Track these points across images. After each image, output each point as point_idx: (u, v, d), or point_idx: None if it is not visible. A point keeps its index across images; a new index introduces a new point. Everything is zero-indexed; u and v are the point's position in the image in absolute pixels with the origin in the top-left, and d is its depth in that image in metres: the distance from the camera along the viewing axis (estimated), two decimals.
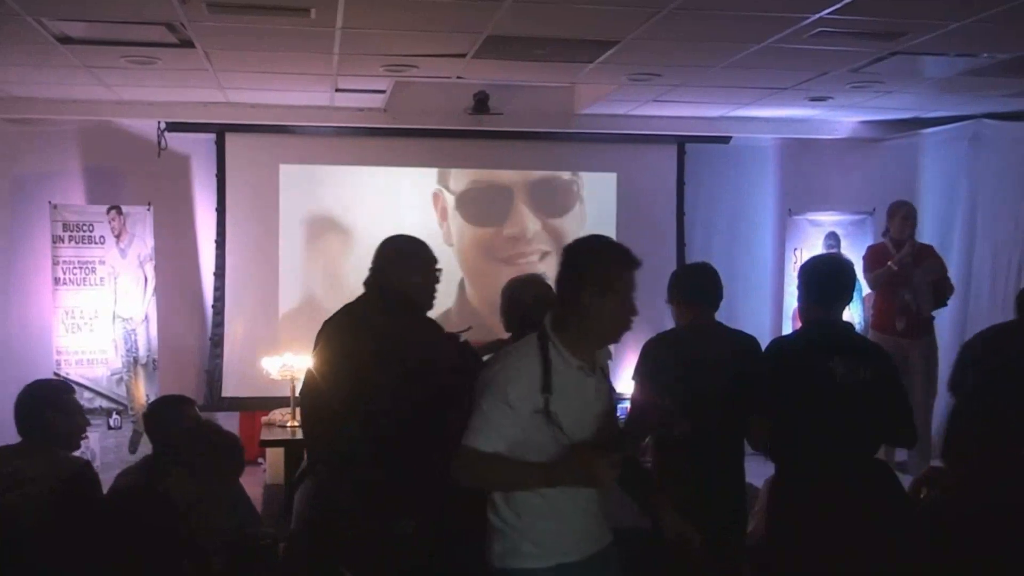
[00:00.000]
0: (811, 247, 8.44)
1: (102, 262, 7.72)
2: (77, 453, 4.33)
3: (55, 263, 7.61)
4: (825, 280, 4.08)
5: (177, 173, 8.47)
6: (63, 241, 7.63)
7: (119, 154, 8.34)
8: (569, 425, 2.97)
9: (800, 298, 4.18)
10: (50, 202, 7.70)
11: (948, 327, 7.89)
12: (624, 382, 5.22)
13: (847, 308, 4.18)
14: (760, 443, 4.10)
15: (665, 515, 3.17)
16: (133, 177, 8.31)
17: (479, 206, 8.81)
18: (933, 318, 7.40)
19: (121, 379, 7.69)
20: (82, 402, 6.90)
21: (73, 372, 7.49)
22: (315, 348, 3.86)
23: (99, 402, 7.56)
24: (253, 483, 7.00)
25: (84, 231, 7.69)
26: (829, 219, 8.76)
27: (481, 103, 7.93)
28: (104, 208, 7.80)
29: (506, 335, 4.42)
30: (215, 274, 8.43)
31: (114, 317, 7.71)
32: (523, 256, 8.80)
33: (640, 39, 5.64)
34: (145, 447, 4.66)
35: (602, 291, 3.00)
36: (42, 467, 3.89)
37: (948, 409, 6.65)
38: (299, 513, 4.94)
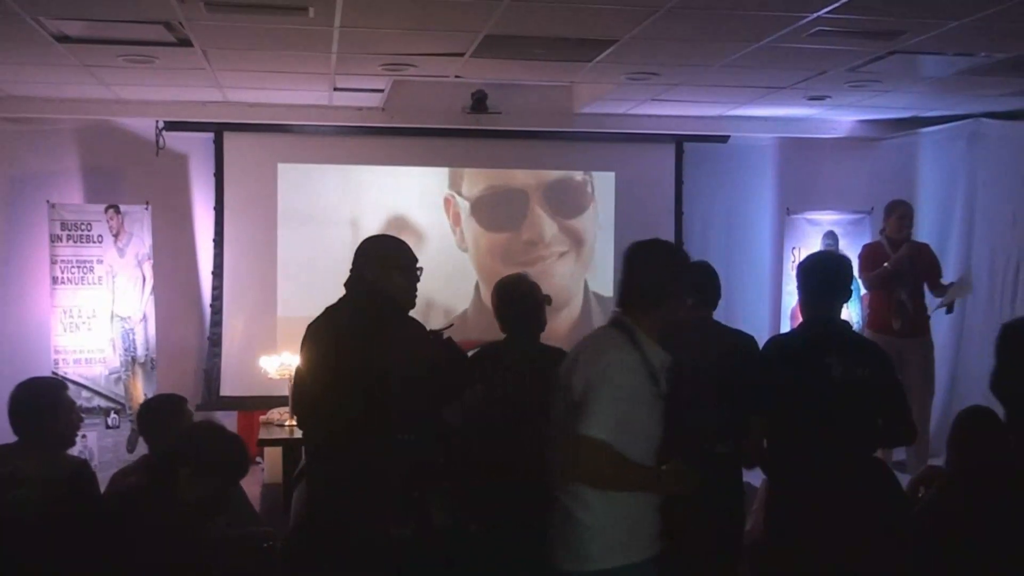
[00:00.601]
0: (809, 246, 8.43)
1: (100, 261, 7.71)
2: (74, 452, 4.32)
3: (53, 262, 7.61)
4: (822, 278, 4.08)
5: (175, 172, 8.47)
6: (61, 240, 7.62)
7: (117, 153, 8.33)
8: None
9: (799, 296, 4.18)
10: (48, 201, 7.69)
11: (945, 327, 7.89)
12: None
13: (845, 306, 4.17)
14: (755, 448, 4.10)
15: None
16: (131, 176, 8.31)
17: (495, 212, 8.81)
18: (929, 318, 7.39)
19: (119, 378, 7.69)
20: (80, 401, 6.95)
21: (71, 371, 7.48)
22: (301, 349, 3.87)
23: (97, 401, 7.56)
24: (251, 482, 7.00)
25: (82, 230, 7.68)
26: (827, 218, 8.77)
27: (479, 102, 7.93)
28: (102, 207, 7.79)
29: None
30: (213, 273, 8.42)
31: (112, 316, 7.70)
32: (542, 259, 8.83)
33: (638, 38, 5.64)
34: (143, 447, 4.64)
35: (680, 289, 3.39)
36: (39, 467, 3.88)
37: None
38: (297, 512, 4.94)
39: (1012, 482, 3.99)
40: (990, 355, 7.70)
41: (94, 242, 7.71)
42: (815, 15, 5.07)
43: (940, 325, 7.68)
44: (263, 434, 6.82)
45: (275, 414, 7.09)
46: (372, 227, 8.19)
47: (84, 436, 7.25)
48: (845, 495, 3.75)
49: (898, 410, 3.99)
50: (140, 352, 7.79)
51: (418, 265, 3.91)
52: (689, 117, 8.65)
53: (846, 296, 4.10)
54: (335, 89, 7.41)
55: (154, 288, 7.90)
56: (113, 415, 7.62)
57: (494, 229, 8.82)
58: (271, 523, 4.95)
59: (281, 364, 7.05)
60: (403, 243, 3.96)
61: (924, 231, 7.99)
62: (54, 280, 7.61)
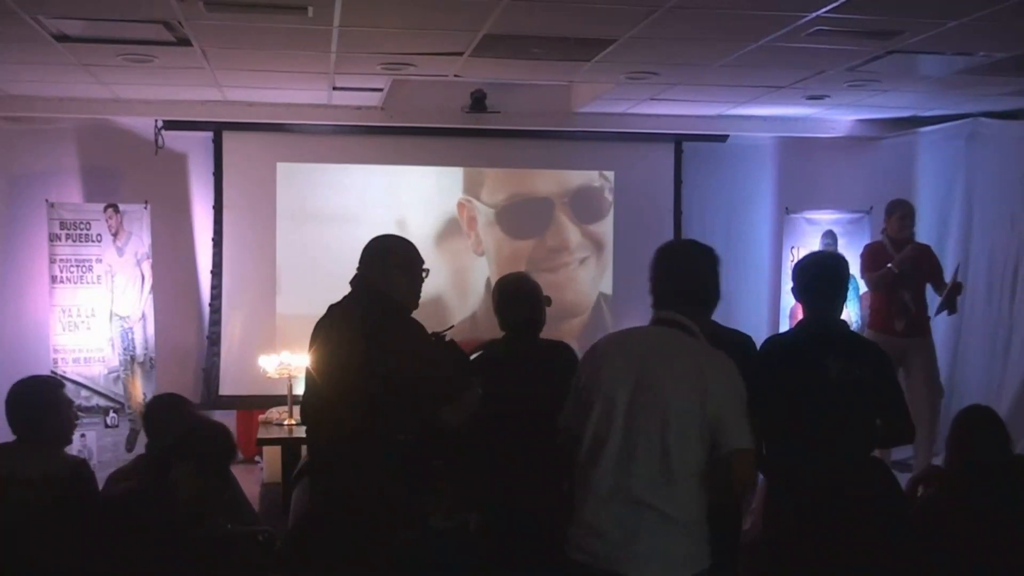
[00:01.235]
0: (808, 245, 8.43)
1: (99, 260, 7.71)
2: (73, 451, 4.32)
3: (52, 261, 7.60)
4: (818, 278, 4.08)
5: (174, 171, 8.46)
6: (60, 239, 7.62)
7: (116, 152, 8.33)
8: None
9: (795, 296, 4.18)
10: (47, 200, 7.69)
11: (943, 326, 7.89)
12: None
13: (841, 306, 4.16)
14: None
15: None
16: (130, 175, 8.30)
17: (519, 219, 8.83)
18: (930, 319, 7.39)
19: (118, 377, 7.68)
20: (79, 401, 6.96)
21: (70, 370, 7.48)
22: (310, 348, 3.88)
23: (96, 400, 7.56)
24: (250, 481, 7.02)
25: (81, 229, 7.68)
26: (826, 217, 8.76)
27: (478, 101, 7.93)
28: (101, 206, 7.79)
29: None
30: (212, 272, 8.42)
31: (111, 315, 7.70)
32: (565, 265, 8.88)
33: (637, 38, 5.64)
34: (142, 446, 4.65)
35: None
36: (38, 467, 3.89)
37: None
38: (296, 511, 4.94)
39: (1010, 482, 4.00)
40: (989, 355, 7.73)
41: (93, 241, 7.70)
42: (814, 15, 5.06)
43: (939, 325, 7.67)
44: (262, 433, 6.81)
45: (274, 413, 7.08)
46: (371, 226, 8.16)
47: (83, 436, 7.26)
48: (843, 495, 3.74)
49: (896, 410, 3.99)
50: (139, 351, 7.79)
51: (424, 266, 3.90)
52: (688, 116, 8.64)
53: (843, 297, 4.10)
54: (334, 88, 7.41)
55: (153, 287, 7.90)
56: (112, 414, 7.61)
57: (518, 236, 8.84)
58: (270, 522, 4.94)
59: (280, 363, 7.04)
60: (408, 243, 3.93)
61: (923, 231, 7.98)
62: (53, 279, 7.61)
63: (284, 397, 6.95)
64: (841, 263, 4.19)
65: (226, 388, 8.36)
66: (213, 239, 8.41)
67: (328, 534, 3.70)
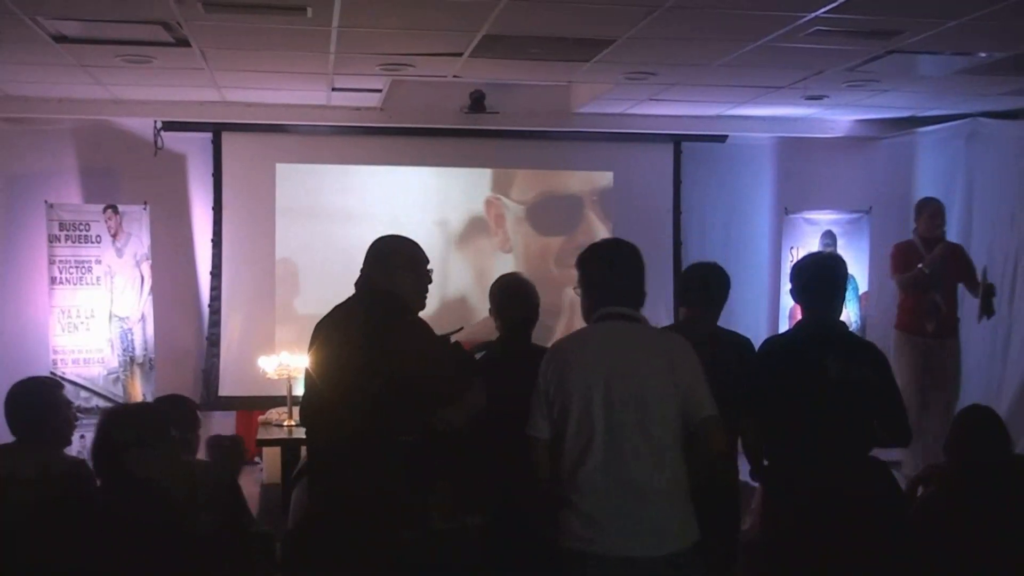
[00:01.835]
0: (807, 246, 8.43)
1: (98, 261, 7.71)
2: (73, 452, 4.33)
3: (51, 262, 7.60)
4: (816, 278, 4.09)
5: (173, 172, 8.45)
6: (59, 240, 7.62)
7: (115, 153, 8.32)
8: None
9: (793, 297, 4.19)
10: (46, 201, 7.69)
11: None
12: None
13: (840, 307, 4.16)
14: (750, 447, 4.11)
15: None
16: (129, 176, 8.29)
17: (549, 216, 8.87)
18: (959, 320, 7.29)
19: (118, 379, 7.68)
20: (78, 402, 6.95)
21: (69, 371, 7.48)
22: (310, 348, 3.87)
23: (96, 402, 7.55)
24: (250, 482, 7.02)
25: (80, 230, 7.68)
26: (825, 218, 8.76)
27: (477, 102, 7.93)
28: (100, 207, 7.79)
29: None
30: (211, 273, 8.42)
31: (110, 316, 7.70)
32: None
33: (636, 38, 5.64)
34: None
35: None
36: (38, 468, 3.89)
37: None
38: (296, 512, 4.94)
39: (1010, 482, 4.00)
40: (988, 354, 7.70)
41: (92, 242, 7.70)
42: (813, 15, 5.06)
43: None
44: (262, 434, 6.81)
45: (274, 414, 7.07)
46: (371, 227, 8.17)
47: (83, 436, 7.23)
48: (842, 495, 3.75)
49: (893, 411, 4.00)
50: (139, 352, 7.78)
51: (428, 267, 3.89)
52: (687, 117, 8.64)
53: (843, 296, 4.10)
54: (333, 89, 7.41)
55: (152, 288, 7.90)
56: None
57: (547, 233, 8.86)
58: (270, 523, 4.95)
59: (279, 364, 7.03)
60: (412, 243, 3.92)
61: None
62: (52, 280, 7.60)
63: (283, 398, 6.94)
64: (839, 263, 4.21)
65: (225, 389, 8.36)
66: (212, 240, 8.40)
67: (328, 535, 3.70)
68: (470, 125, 8.21)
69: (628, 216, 8.85)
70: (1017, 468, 4.20)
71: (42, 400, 4.16)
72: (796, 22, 5.23)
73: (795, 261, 4.32)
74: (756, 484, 4.36)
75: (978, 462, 4.04)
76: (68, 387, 4.62)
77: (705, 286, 4.48)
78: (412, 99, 7.91)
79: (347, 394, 3.64)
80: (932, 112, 8.38)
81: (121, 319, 7.73)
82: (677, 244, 9.02)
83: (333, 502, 3.73)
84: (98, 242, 7.72)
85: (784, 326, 8.29)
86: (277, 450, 6.84)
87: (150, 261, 7.89)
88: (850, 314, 7.80)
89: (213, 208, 8.40)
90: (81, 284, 7.66)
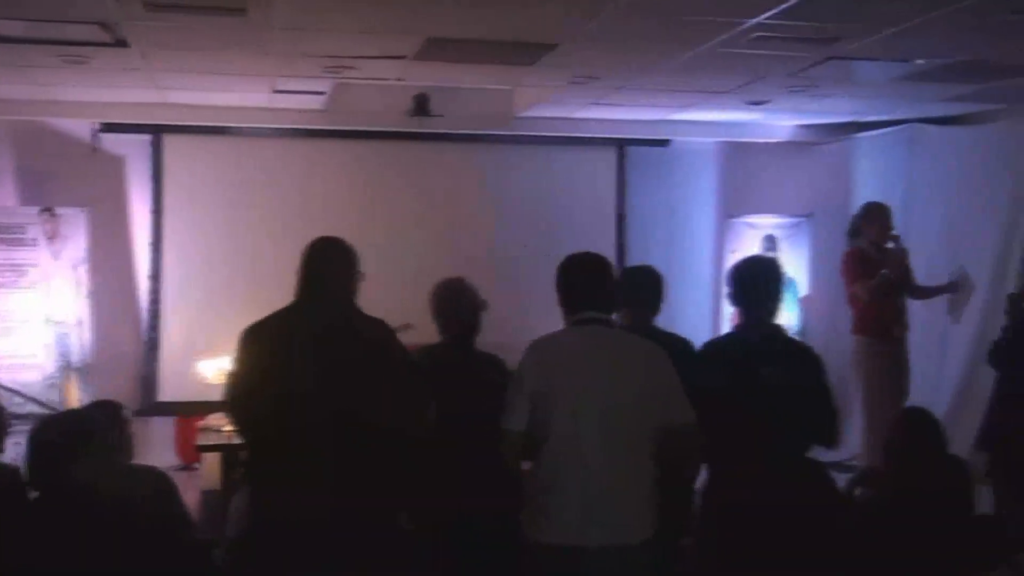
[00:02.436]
0: (748, 250, 8.49)
1: (34, 265, 7.59)
2: (8, 459, 4.25)
3: None
4: (750, 281, 4.12)
5: (112, 174, 8.34)
6: None
7: (53, 155, 8.18)
8: None
9: (731, 301, 4.22)
10: None
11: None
12: None
13: (779, 310, 4.19)
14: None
15: None
16: (67, 178, 8.16)
17: None
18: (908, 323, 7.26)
19: (54, 384, 7.56)
20: (12, 408, 6.81)
21: (3, 377, 7.35)
22: (240, 351, 3.85)
23: (30, 407, 7.40)
24: (190, 488, 6.93)
25: (15, 233, 7.57)
26: (767, 222, 8.86)
27: (421, 105, 7.91)
28: (36, 210, 7.68)
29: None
30: (151, 277, 8.32)
31: (47, 320, 7.58)
32: None
33: (580, 42, 5.67)
34: None
35: None
36: None
37: None
38: (235, 520, 4.89)
39: (947, 483, 4.07)
40: (925, 357, 7.77)
41: (28, 245, 7.59)
42: (755, 21, 5.12)
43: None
44: (201, 440, 6.72)
45: (213, 419, 6.98)
46: (313, 229, 8.11)
47: (18, 443, 7.11)
48: (780, 497, 3.77)
49: (827, 415, 4.04)
50: (76, 358, 7.68)
51: (359, 268, 3.90)
52: (631, 121, 8.69)
53: (778, 301, 4.13)
54: (275, 91, 7.35)
55: (90, 292, 7.79)
56: None
57: None
58: (210, 530, 4.90)
59: (220, 369, 6.95)
60: (347, 244, 3.93)
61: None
62: None
63: (224, 403, 6.85)
64: (775, 266, 4.25)
65: (165, 394, 8.25)
66: (151, 243, 8.30)
67: (277, 544, 3.67)
68: (414, 128, 8.19)
69: (571, 221, 8.85)
70: (953, 469, 4.27)
71: None
72: (738, 28, 5.28)
73: (731, 265, 4.35)
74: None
75: (915, 463, 4.10)
76: (2, 393, 4.54)
77: (636, 288, 4.51)
78: (357, 102, 7.86)
79: (299, 405, 3.62)
80: (872, 117, 8.50)
81: (57, 323, 7.62)
82: (620, 249, 9.05)
83: (282, 512, 3.69)
84: (34, 245, 7.60)
85: (725, 330, 8.35)
86: (217, 456, 6.76)
87: (88, 265, 7.78)
88: (789, 318, 7.88)
89: (152, 211, 8.29)
90: (16, 287, 7.54)
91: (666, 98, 7.62)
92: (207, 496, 6.92)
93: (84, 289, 7.76)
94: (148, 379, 8.27)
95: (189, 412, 7.99)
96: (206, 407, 7.43)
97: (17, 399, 7.30)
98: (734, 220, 8.83)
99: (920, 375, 7.43)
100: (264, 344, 3.79)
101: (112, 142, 8.26)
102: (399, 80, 6.95)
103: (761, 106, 7.86)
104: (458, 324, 4.35)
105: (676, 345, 4.46)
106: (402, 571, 3.83)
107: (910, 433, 4.20)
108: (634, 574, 3.46)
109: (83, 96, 7.62)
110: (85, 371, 7.71)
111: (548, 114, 8.39)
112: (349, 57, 6.20)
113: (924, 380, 7.53)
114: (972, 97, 7.30)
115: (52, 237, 7.65)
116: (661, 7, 4.95)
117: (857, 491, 4.56)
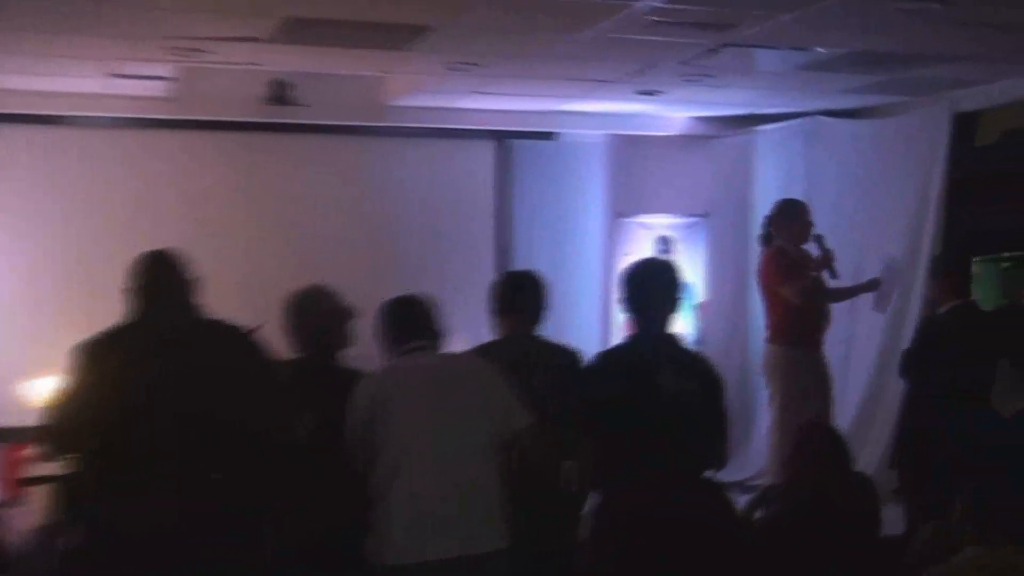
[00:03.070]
0: (641, 253, 8.57)
1: None
2: None
3: None
4: (644, 286, 4.14)
5: None
6: None
7: None
8: None
9: (623, 307, 4.23)
10: None
11: None
12: None
13: (675, 317, 4.22)
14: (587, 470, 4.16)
15: None
16: None
17: None
18: None
19: None
20: None
21: None
22: (76, 369, 3.86)
23: None
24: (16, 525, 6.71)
25: None
26: (660, 222, 8.94)
27: (277, 93, 7.78)
28: None
29: None
30: None
31: None
32: None
33: (455, 24, 5.66)
34: None
35: None
36: None
37: None
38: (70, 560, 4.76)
39: (851, 499, 4.17)
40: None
41: None
42: (643, 3, 5.17)
43: None
44: (28, 471, 6.53)
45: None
46: (159, 234, 7.95)
47: None
48: (675, 517, 3.79)
49: (715, 432, 4.09)
50: None
51: (194, 276, 3.97)
52: (513, 112, 8.68)
53: (672, 306, 4.15)
54: (113, 75, 7.15)
55: None
56: None
57: None
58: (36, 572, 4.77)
59: (47, 389, 6.76)
60: (176, 253, 4.01)
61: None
62: None
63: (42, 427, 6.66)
64: (671, 269, 4.25)
65: None
66: None
67: (117, 554, 3.68)
68: (272, 119, 8.06)
69: (446, 220, 8.83)
70: (858, 485, 4.37)
71: None
72: (625, 11, 5.33)
73: (623, 269, 4.37)
74: None
75: (818, 481, 4.19)
76: None
77: (515, 295, 4.52)
78: (208, 89, 7.68)
79: (140, 413, 3.66)
80: (771, 110, 8.63)
81: None
82: (501, 251, 9.04)
83: (125, 520, 3.69)
84: None
85: (617, 338, 8.41)
86: (46, 488, 6.57)
87: None
88: (685, 325, 7.96)
89: None
90: None
91: (551, 87, 7.66)
92: (33, 534, 6.71)
93: None
94: None
95: (14, 438, 7.73)
96: (32, 433, 7.21)
97: None
98: (625, 220, 8.90)
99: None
100: (99, 359, 3.80)
101: None
102: (255, 65, 6.84)
103: (654, 96, 7.95)
104: (314, 338, 4.29)
105: (562, 356, 4.48)
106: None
107: (812, 449, 4.28)
108: None
109: None
110: None
111: (424, 104, 8.33)
112: (196, 39, 6.08)
113: None
114: (873, 88, 7.53)
115: None
116: None
117: (757, 513, 4.62)
